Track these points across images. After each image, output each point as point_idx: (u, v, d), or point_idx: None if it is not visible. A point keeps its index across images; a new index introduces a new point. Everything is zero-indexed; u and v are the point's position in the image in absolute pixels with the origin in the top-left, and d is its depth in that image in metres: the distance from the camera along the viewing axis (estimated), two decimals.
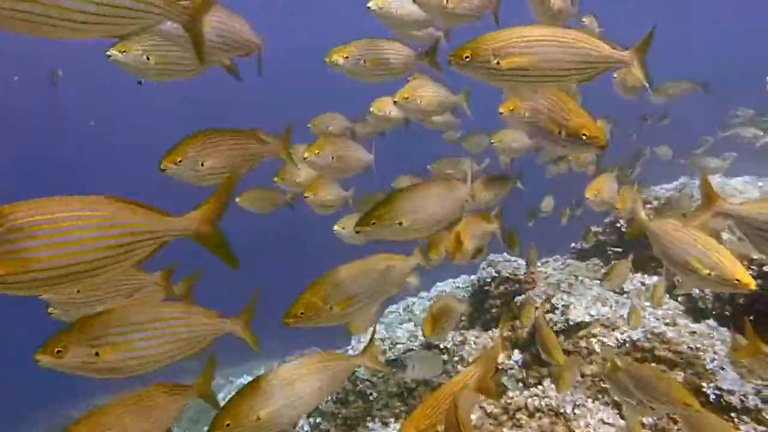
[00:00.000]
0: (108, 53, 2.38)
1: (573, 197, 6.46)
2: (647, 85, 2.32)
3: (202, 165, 2.42)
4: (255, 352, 2.42)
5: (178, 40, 2.12)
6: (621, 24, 4.94)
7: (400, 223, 2.33)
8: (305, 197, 3.86)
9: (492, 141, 4.16)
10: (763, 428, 3.30)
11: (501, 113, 3.20)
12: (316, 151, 3.37)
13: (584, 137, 2.29)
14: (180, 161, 2.38)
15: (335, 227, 3.91)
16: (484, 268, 5.47)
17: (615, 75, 4.09)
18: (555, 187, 5.95)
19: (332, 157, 3.41)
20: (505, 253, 5.41)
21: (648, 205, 5.73)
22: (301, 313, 2.25)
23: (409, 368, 3.78)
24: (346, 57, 3.05)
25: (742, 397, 3.40)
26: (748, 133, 7.38)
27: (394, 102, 3.44)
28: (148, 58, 2.40)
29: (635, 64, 2.23)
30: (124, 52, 2.38)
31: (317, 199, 3.91)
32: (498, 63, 2.02)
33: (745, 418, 3.36)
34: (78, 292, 2.60)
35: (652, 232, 2.58)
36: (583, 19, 4.12)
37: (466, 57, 2.05)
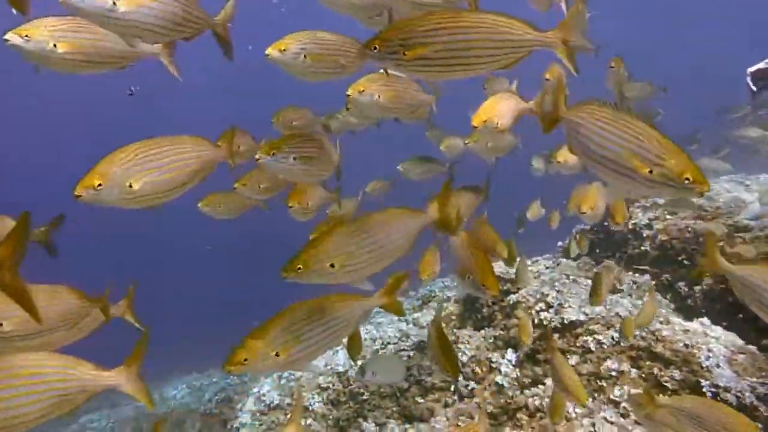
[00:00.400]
0: (6, 37, 2.11)
1: (561, 198, 6.45)
2: (575, 72, 2.12)
3: (131, 186, 2.06)
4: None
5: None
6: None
7: (332, 266, 2.15)
8: (290, 207, 3.43)
9: (467, 142, 3.99)
10: (760, 425, 3.33)
11: (475, 126, 3.20)
12: (272, 152, 2.80)
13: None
14: (100, 186, 2.01)
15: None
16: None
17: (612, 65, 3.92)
18: (543, 185, 5.93)
19: (293, 158, 2.84)
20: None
21: (637, 204, 5.80)
22: (245, 360, 2.05)
23: (368, 374, 3.57)
24: (283, 50, 2.61)
25: (738, 394, 3.44)
26: (753, 133, 6.97)
27: (347, 95, 3.00)
28: (55, 46, 2.16)
29: (561, 46, 2.06)
30: (27, 37, 2.12)
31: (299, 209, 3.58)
32: (404, 54, 1.93)
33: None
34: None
35: (567, 120, 2.02)
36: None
37: (374, 48, 1.95)
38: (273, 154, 2.77)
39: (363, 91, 2.89)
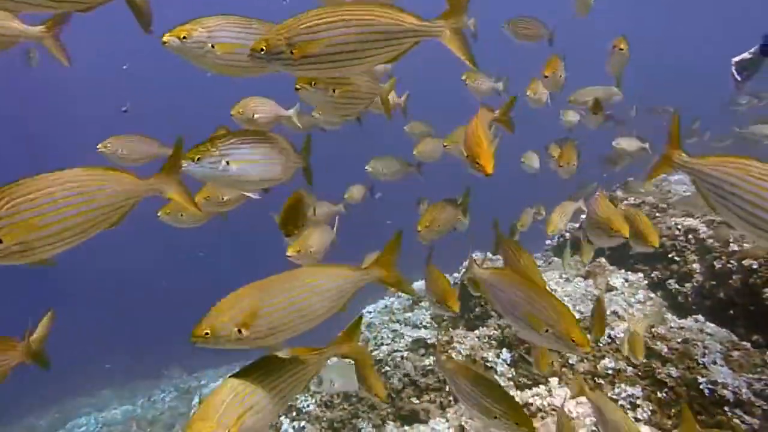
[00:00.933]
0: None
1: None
2: (471, 63, 2.05)
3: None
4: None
5: None
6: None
7: (240, 331, 1.85)
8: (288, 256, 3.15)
9: (445, 144, 3.88)
10: (756, 420, 3.37)
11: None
12: (197, 156, 2.19)
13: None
14: None
15: (288, 252, 3.19)
16: (464, 268, 5.44)
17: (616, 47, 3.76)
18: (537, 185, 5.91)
19: (226, 162, 2.23)
20: (488, 253, 5.42)
21: (625, 201, 5.82)
22: (206, 334, 1.84)
23: (326, 383, 3.46)
24: (184, 38, 2.09)
25: (735, 390, 3.46)
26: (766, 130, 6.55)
27: (296, 89, 2.53)
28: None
29: (449, 36, 1.99)
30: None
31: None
32: (292, 53, 1.86)
33: (737, 411, 3.42)
34: None
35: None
36: None
37: (261, 51, 1.87)
38: (198, 159, 2.16)
39: (314, 83, 2.31)
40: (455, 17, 1.98)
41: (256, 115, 3.06)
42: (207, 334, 1.83)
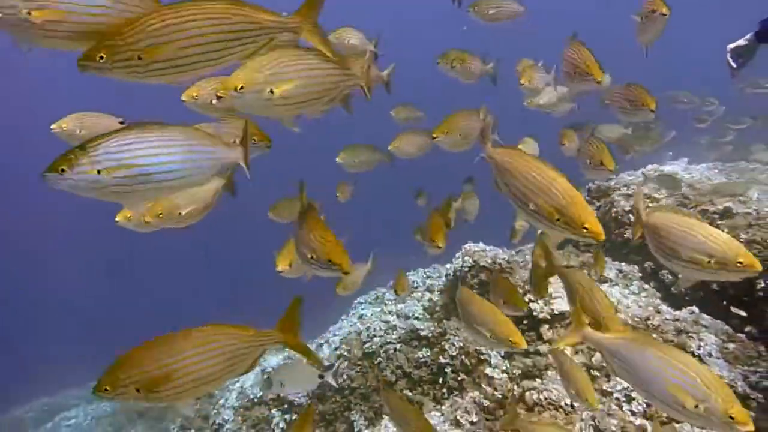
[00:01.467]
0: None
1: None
2: (329, 54, 2.03)
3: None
4: None
5: None
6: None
7: (138, 390, 1.86)
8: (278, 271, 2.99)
9: (434, 136, 3.48)
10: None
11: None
12: (61, 168, 1.74)
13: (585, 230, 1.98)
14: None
15: (278, 267, 3.00)
16: (459, 258, 5.41)
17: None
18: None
19: (98, 171, 1.77)
20: (480, 243, 5.38)
21: (618, 191, 5.79)
22: (106, 389, 1.84)
23: (276, 385, 3.41)
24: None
25: (731, 383, 3.45)
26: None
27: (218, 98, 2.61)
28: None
29: (307, 30, 1.95)
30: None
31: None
32: (140, 58, 1.71)
33: None
34: None
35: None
36: None
37: (101, 58, 1.68)
38: (62, 171, 1.72)
39: (242, 87, 1.98)
40: (311, 11, 1.95)
41: (214, 101, 2.77)
42: (107, 390, 1.85)
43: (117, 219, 2.75)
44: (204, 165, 1.94)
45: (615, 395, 3.63)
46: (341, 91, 2.19)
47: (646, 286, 4.63)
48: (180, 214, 2.57)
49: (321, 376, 3.44)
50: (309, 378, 3.48)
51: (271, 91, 1.97)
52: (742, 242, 4.17)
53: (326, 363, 5.22)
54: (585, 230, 1.94)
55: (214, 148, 1.97)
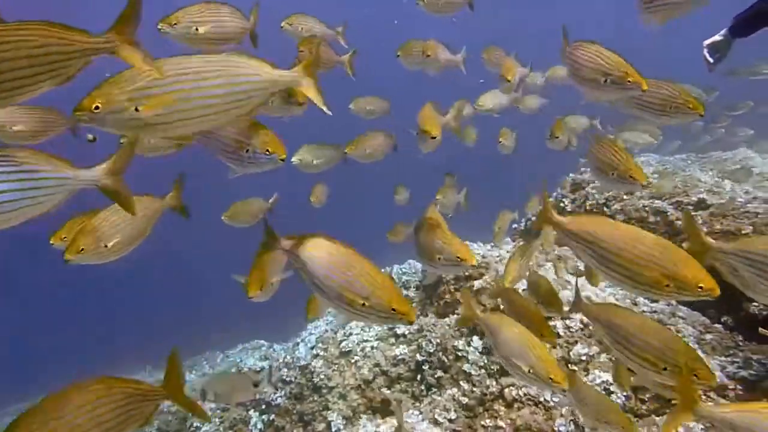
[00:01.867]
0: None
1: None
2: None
3: None
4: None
5: None
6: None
7: None
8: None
9: (423, 133, 3.25)
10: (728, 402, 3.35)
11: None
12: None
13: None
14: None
15: (249, 293, 2.64)
16: None
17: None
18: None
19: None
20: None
21: (593, 184, 5.79)
22: (96, 108, 1.66)
23: (209, 395, 3.34)
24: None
25: None
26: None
27: (158, 29, 2.54)
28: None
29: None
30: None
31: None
32: (137, 110, 1.66)
33: (711, 394, 3.40)
34: None
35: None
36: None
37: (96, 108, 1.63)
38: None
39: (176, 24, 2.40)
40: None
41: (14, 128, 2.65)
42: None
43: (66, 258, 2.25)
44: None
45: (595, 388, 3.61)
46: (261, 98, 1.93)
47: None
48: (105, 246, 2.22)
49: (255, 385, 3.40)
50: (243, 388, 3.46)
51: (137, 109, 1.69)
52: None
53: (302, 362, 5.16)
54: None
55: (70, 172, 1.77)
